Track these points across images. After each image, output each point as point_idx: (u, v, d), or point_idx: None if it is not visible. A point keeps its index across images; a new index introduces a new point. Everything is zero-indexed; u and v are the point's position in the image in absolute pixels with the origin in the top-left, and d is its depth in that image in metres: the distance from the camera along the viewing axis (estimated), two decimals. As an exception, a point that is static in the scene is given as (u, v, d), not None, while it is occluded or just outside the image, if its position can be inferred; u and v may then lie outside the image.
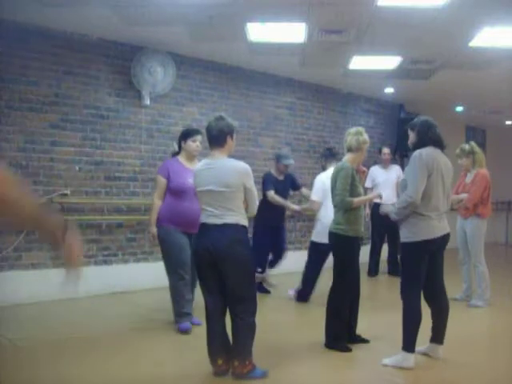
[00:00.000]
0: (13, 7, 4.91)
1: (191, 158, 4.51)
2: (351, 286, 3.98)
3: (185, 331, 4.31)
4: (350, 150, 4.05)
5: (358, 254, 4.03)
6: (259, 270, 5.76)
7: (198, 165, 3.48)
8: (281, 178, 5.99)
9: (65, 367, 3.25)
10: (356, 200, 3.92)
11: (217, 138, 3.34)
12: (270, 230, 5.87)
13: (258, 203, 3.42)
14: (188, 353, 3.89)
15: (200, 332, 4.18)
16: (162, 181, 4.42)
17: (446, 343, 3.71)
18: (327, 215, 4.65)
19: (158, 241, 4.45)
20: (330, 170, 4.82)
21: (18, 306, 5.04)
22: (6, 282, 5.13)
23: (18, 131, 5.36)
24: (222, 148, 3.36)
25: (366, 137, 4.06)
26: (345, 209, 3.93)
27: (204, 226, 3.35)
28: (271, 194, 5.78)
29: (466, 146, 5.66)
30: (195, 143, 4.48)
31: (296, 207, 5.95)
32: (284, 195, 5.94)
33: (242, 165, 3.33)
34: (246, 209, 3.37)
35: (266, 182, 5.89)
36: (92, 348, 3.88)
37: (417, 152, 3.54)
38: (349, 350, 3.91)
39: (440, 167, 3.53)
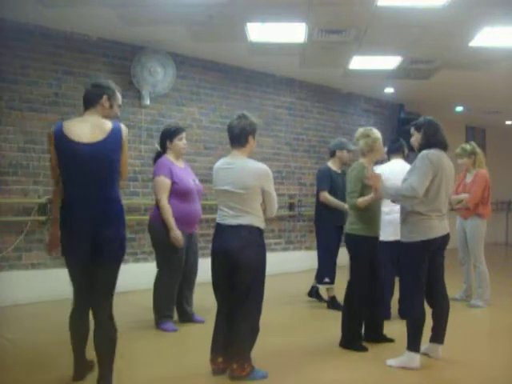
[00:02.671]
0: (13, 7, 4.91)
1: (179, 156, 4.42)
2: (366, 285, 3.92)
3: (172, 331, 4.28)
4: (363, 154, 4.07)
5: (373, 254, 3.95)
6: (327, 280, 5.18)
7: (218, 163, 3.39)
8: (339, 171, 5.33)
9: (64, 368, 3.23)
10: (360, 200, 3.85)
11: (238, 137, 3.24)
12: (335, 230, 5.16)
13: (276, 206, 3.33)
14: (188, 353, 3.89)
15: (200, 332, 4.18)
16: (167, 182, 4.23)
17: (446, 343, 3.71)
18: (392, 210, 4.28)
19: (157, 240, 4.37)
20: (394, 163, 4.78)
21: (18, 306, 5.03)
22: (6, 282, 5.13)
23: (18, 131, 5.36)
24: (242, 148, 3.27)
25: (375, 135, 4.04)
26: (355, 209, 3.92)
27: (219, 226, 3.30)
28: (324, 194, 5.16)
29: (468, 146, 5.65)
30: (182, 141, 4.38)
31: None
32: (345, 190, 4.93)
33: (261, 167, 3.25)
34: (264, 211, 3.30)
35: (322, 179, 5.27)
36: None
37: (425, 152, 3.55)
38: (365, 349, 3.87)
39: (444, 169, 3.55)
